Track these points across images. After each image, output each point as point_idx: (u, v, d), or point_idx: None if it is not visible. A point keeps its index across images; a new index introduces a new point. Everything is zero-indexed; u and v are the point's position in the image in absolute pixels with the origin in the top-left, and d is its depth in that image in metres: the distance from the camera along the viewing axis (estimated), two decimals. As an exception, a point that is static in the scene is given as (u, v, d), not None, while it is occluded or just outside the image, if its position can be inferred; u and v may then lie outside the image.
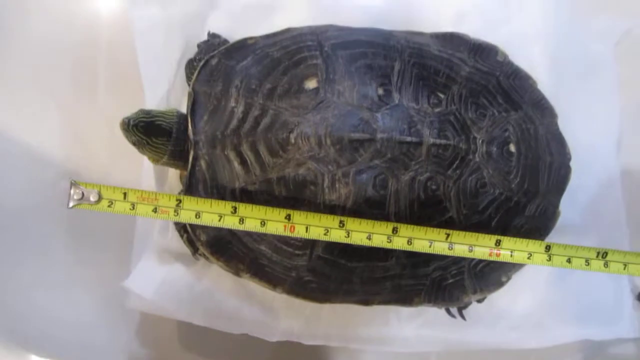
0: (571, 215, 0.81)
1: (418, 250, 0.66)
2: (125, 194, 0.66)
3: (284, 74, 0.71)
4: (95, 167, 0.90)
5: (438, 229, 0.67)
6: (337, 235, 0.65)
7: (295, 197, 0.67)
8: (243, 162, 0.68)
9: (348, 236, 0.65)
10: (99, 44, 0.91)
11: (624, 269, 0.69)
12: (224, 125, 0.70)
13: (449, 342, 0.80)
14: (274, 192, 0.67)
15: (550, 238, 0.76)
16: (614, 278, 0.83)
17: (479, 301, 0.77)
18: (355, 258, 0.68)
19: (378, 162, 0.66)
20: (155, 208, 0.66)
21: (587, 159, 0.84)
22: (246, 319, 0.79)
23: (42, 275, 0.86)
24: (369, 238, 0.66)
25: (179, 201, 0.66)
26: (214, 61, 0.74)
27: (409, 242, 0.66)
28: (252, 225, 0.66)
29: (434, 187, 0.67)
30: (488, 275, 0.72)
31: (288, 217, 0.66)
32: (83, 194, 0.67)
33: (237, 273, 0.71)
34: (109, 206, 0.67)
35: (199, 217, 0.66)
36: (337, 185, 0.66)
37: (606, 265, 0.69)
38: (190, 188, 0.71)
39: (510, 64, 0.78)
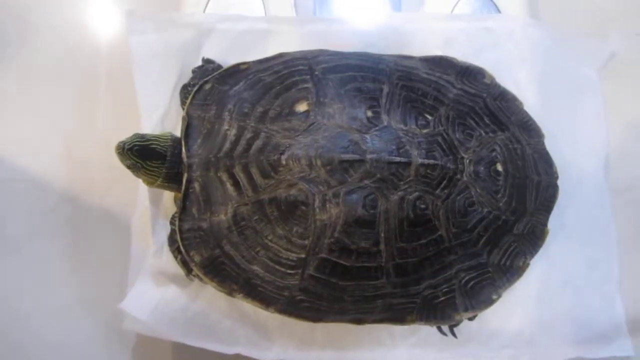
0: (559, 234, 0.82)
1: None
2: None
3: (276, 98, 0.73)
4: (94, 190, 0.91)
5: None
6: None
7: (287, 217, 0.68)
8: (235, 183, 0.70)
9: None
10: (98, 71, 0.94)
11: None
12: (217, 148, 0.71)
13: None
14: (266, 213, 0.69)
15: (539, 257, 0.78)
16: (607, 296, 0.84)
17: (471, 319, 0.78)
18: (346, 277, 0.69)
19: (368, 182, 0.68)
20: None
21: (575, 179, 0.86)
22: (240, 339, 0.80)
23: (42, 299, 0.87)
24: None
25: None
26: (207, 86, 0.76)
27: None
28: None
29: (422, 206, 0.68)
30: (479, 293, 0.73)
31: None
32: None
33: (230, 293, 0.72)
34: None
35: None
36: (327, 206, 0.67)
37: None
38: (185, 210, 0.72)
39: (497, 86, 0.80)
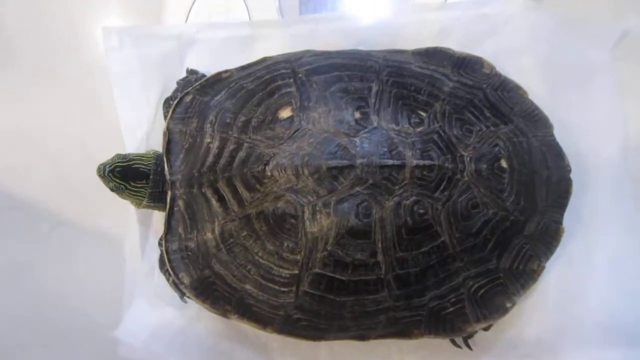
0: (577, 231, 0.76)
1: None
2: None
3: (258, 105, 0.68)
4: (87, 213, 0.88)
5: None
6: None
7: (276, 231, 0.64)
8: (221, 199, 0.66)
9: None
10: (86, 92, 0.91)
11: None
12: (200, 163, 0.68)
13: (456, 374, 0.74)
14: (255, 228, 0.65)
15: (556, 257, 0.72)
16: (634, 294, 0.77)
17: (486, 329, 0.72)
18: (343, 292, 0.64)
19: (359, 189, 0.63)
20: None
21: (591, 170, 0.79)
22: (240, 361, 0.76)
23: (38, 329, 0.84)
24: None
25: None
26: (188, 98, 0.73)
27: None
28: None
29: (421, 211, 0.63)
30: (490, 302, 0.67)
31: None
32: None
33: (224, 315, 0.68)
34: None
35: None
36: (318, 217, 0.63)
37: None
38: (171, 230, 0.69)
39: (497, 75, 0.75)
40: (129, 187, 0.70)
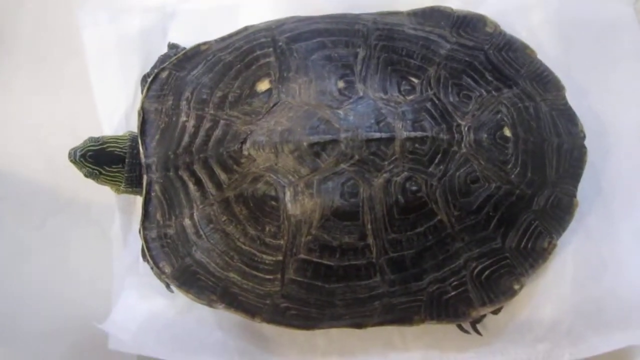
0: (596, 203, 0.69)
1: None
2: None
3: (235, 79, 0.63)
4: (79, 200, 0.85)
5: None
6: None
7: (257, 215, 0.59)
8: (198, 182, 0.61)
9: None
10: (71, 75, 0.87)
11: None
12: (176, 144, 0.63)
13: (464, 361, 0.69)
14: (234, 212, 0.60)
15: (572, 232, 0.66)
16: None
17: (495, 313, 0.66)
18: (332, 279, 0.59)
19: (344, 166, 0.57)
20: None
21: (612, 136, 0.73)
22: (234, 352, 0.72)
23: (29, 321, 0.82)
24: None
25: None
26: (164, 74, 0.68)
27: None
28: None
29: (414, 188, 0.57)
30: (497, 284, 0.62)
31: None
32: None
33: (210, 305, 0.64)
34: None
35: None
36: (300, 198, 0.57)
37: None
38: (148, 217, 0.64)
39: (502, 34, 0.68)
40: (103, 172, 0.66)
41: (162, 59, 0.74)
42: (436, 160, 0.58)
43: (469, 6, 0.71)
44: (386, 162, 0.57)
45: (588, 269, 0.69)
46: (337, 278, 0.59)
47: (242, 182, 0.59)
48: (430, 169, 0.58)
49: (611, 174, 0.72)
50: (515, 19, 0.72)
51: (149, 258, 0.64)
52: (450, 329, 0.69)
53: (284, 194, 0.58)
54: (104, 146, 0.66)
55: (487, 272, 0.61)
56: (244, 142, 0.59)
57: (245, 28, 0.69)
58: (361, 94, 0.59)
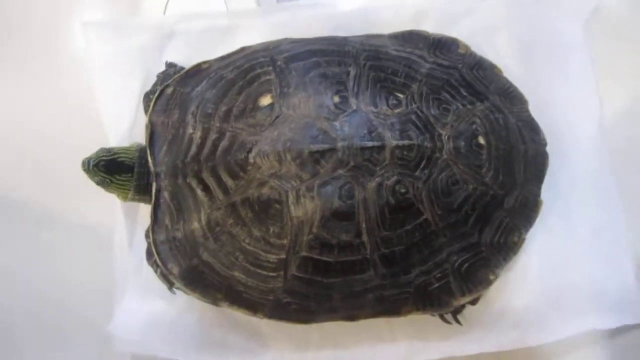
0: (557, 203, 0.77)
1: None
2: None
3: (239, 94, 0.69)
4: (73, 210, 0.88)
5: None
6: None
7: (262, 217, 0.65)
8: (206, 188, 0.67)
9: None
10: (63, 86, 0.91)
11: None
12: (184, 154, 0.68)
13: (446, 349, 0.76)
14: (240, 215, 0.66)
15: (538, 229, 0.74)
16: (615, 261, 0.78)
17: (473, 303, 0.74)
18: (330, 274, 0.66)
19: (341, 171, 0.64)
20: None
21: (569, 143, 0.81)
22: (233, 348, 0.77)
23: (31, 331, 0.84)
24: None
25: None
26: (169, 90, 0.73)
27: None
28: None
29: (402, 190, 0.64)
30: (474, 275, 0.69)
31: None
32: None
33: (215, 303, 0.69)
34: None
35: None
36: (302, 201, 0.64)
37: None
38: (157, 222, 0.69)
39: (473, 55, 0.76)
40: (114, 180, 0.71)
41: (163, 78, 0.79)
42: (421, 166, 0.65)
43: (442, 30, 0.79)
44: (378, 168, 0.64)
45: (551, 262, 0.77)
46: (335, 273, 0.66)
47: (248, 187, 0.65)
48: (417, 173, 0.65)
49: (568, 178, 0.80)
50: (482, 41, 0.80)
51: (158, 260, 0.69)
52: (432, 320, 0.76)
53: (287, 197, 0.64)
54: (115, 156, 0.71)
55: (466, 265, 0.68)
56: (250, 151, 0.65)
57: (243, 49, 0.75)
58: (354, 107, 0.66)
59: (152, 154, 0.70)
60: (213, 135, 0.68)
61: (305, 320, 0.69)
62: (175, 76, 0.75)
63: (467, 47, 0.76)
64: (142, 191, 0.72)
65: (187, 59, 0.83)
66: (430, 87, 0.70)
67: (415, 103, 0.68)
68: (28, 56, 0.92)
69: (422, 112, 0.67)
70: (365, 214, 0.64)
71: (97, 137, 0.81)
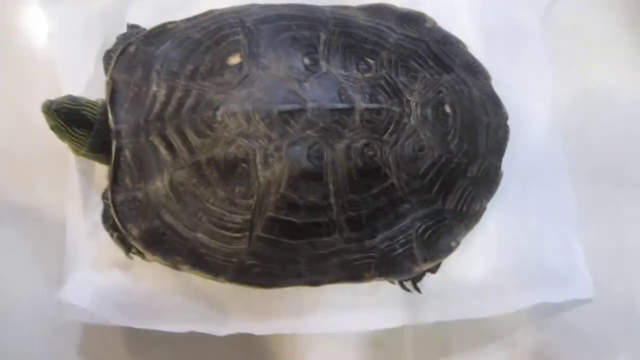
0: (513, 179, 0.79)
1: None
2: None
3: (206, 53, 0.68)
4: (22, 178, 0.84)
5: None
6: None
7: (227, 177, 0.64)
8: (169, 146, 0.65)
9: None
10: (16, 51, 0.87)
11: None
12: (147, 112, 0.66)
13: (407, 317, 0.77)
14: (205, 175, 0.64)
15: (496, 203, 0.75)
16: (566, 238, 0.81)
17: (433, 271, 0.75)
18: (297, 235, 0.65)
19: (310, 132, 0.63)
20: None
21: (524, 123, 0.83)
22: (192, 316, 0.75)
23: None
24: None
25: None
26: (132, 48, 0.71)
27: None
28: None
29: (370, 153, 0.65)
30: (437, 242, 0.70)
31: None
32: None
33: (175, 266, 0.67)
34: None
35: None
36: (270, 161, 0.63)
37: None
38: (117, 181, 0.67)
39: (439, 29, 0.78)
40: (70, 131, 0.68)
41: (124, 37, 0.77)
42: (389, 130, 0.66)
43: (407, 6, 0.80)
44: (347, 130, 0.64)
45: (507, 235, 0.80)
46: (301, 234, 0.65)
47: (214, 146, 0.64)
48: (385, 137, 0.65)
49: (524, 155, 0.82)
50: (447, 23, 0.81)
51: (116, 221, 0.66)
52: (393, 289, 0.77)
53: (255, 156, 0.63)
54: (79, 108, 0.68)
55: (429, 232, 0.69)
56: (217, 108, 0.64)
57: (210, 11, 0.74)
58: (324, 70, 0.66)
59: (113, 111, 0.67)
60: (178, 94, 0.66)
61: (269, 285, 0.68)
62: (139, 34, 0.72)
63: (433, 22, 0.78)
64: (97, 149, 0.69)
65: (150, 23, 0.80)
66: (399, 56, 0.71)
67: (384, 69, 0.68)
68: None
69: (391, 78, 0.68)
70: (334, 176, 0.64)
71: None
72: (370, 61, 0.69)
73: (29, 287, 0.80)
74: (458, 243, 0.71)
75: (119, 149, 0.66)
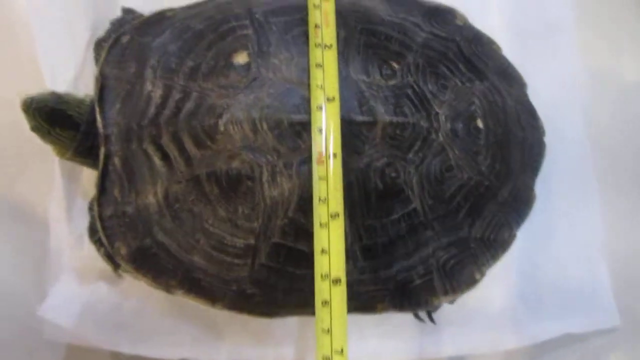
0: (543, 199, 0.72)
1: None
2: None
3: (209, 49, 0.59)
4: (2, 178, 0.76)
5: None
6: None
7: (230, 195, 0.56)
8: (165, 157, 0.57)
9: None
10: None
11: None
12: (140, 115, 0.58)
13: (417, 350, 0.70)
14: (205, 191, 0.56)
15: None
16: (592, 264, 0.74)
17: (451, 302, 0.67)
18: (303, 264, 0.57)
19: None
20: None
21: (558, 133, 0.75)
22: (184, 340, 0.69)
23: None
24: None
25: None
26: (125, 39, 0.62)
27: None
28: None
29: (393, 174, 0.57)
30: (460, 273, 0.63)
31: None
32: None
33: (168, 290, 0.60)
34: None
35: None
36: (278, 179, 0.55)
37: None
38: (104, 193, 0.59)
39: (470, 27, 0.70)
40: (52, 132, 0.60)
41: (118, 24, 0.68)
42: (415, 147, 0.58)
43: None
44: (367, 146, 0.56)
45: (532, 261, 0.73)
46: (309, 264, 0.57)
47: (215, 159, 0.56)
48: (409, 156, 0.58)
49: (556, 173, 0.75)
50: (476, 18, 0.73)
51: (103, 238, 0.59)
52: (405, 317, 0.70)
53: (261, 173, 0.55)
54: (63, 107, 0.61)
55: (452, 262, 0.62)
56: (220, 116, 0.56)
57: None
58: (344, 74, 0.58)
59: (102, 112, 0.59)
60: (176, 95, 0.58)
61: (270, 314, 0.61)
62: (134, 22, 0.64)
63: (464, 19, 0.70)
64: (84, 153, 0.62)
65: (146, 7, 0.71)
66: (427, 59, 0.62)
67: (411, 75, 0.60)
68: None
69: (418, 86, 0.60)
70: (349, 199, 0.56)
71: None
72: (395, 65, 0.60)
73: (9, 298, 0.72)
74: (483, 275, 0.64)
75: (108, 156, 0.58)
